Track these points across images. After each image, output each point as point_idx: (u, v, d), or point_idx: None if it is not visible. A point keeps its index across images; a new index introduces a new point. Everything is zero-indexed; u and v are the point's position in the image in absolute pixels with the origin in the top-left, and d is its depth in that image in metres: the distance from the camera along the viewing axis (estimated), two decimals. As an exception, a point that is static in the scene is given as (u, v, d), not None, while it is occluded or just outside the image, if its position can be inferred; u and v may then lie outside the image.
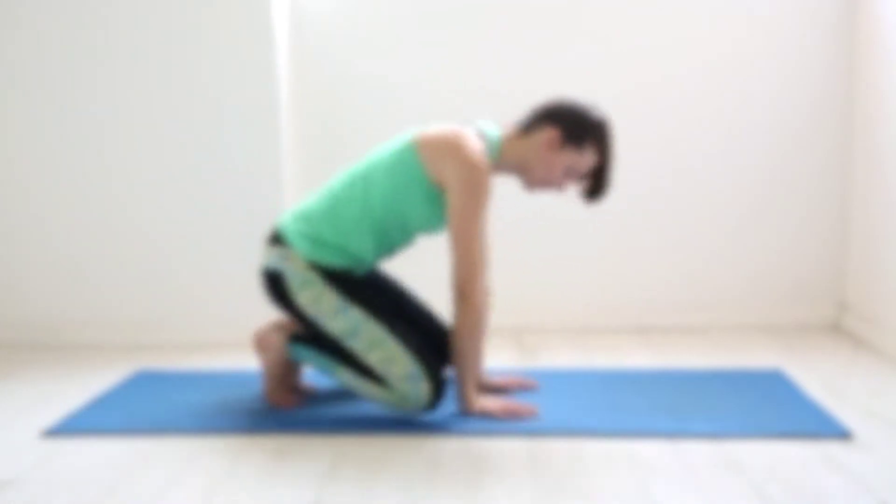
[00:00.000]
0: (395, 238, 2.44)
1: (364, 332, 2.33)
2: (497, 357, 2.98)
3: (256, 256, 3.21)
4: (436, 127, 2.40)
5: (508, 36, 3.31)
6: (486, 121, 2.47)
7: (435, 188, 2.33)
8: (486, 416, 2.36)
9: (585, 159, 2.37)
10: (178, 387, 2.73)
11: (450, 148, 2.30)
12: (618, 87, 3.30)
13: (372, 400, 2.37)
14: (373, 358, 2.33)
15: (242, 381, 2.72)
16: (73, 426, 2.40)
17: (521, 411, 2.37)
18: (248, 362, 2.85)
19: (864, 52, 3.14)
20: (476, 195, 2.28)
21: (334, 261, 2.38)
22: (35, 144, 3.26)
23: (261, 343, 2.53)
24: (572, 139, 2.34)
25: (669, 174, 3.35)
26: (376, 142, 3.37)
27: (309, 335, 2.45)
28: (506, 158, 2.40)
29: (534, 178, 2.41)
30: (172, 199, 3.25)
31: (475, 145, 2.31)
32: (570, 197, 3.40)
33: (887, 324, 2.95)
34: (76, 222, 3.29)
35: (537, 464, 2.09)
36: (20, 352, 3.25)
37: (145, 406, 2.56)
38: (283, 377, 2.52)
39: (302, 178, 3.40)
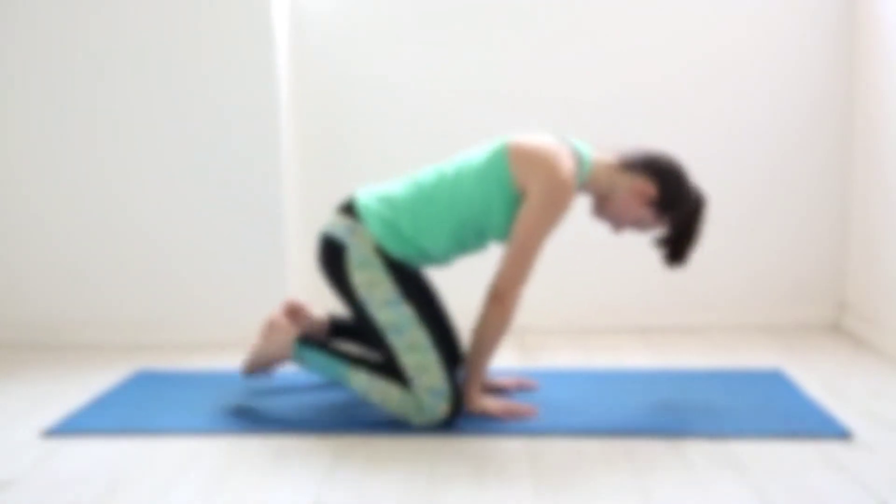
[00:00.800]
0: (469, 242, 2.41)
1: (409, 333, 2.30)
2: (497, 357, 2.98)
3: (256, 256, 3.22)
4: (532, 136, 2.37)
5: (508, 36, 3.31)
6: (580, 140, 2.46)
7: (518, 196, 2.32)
8: (486, 415, 2.36)
9: (657, 223, 2.41)
10: (178, 387, 2.73)
11: (543, 160, 2.28)
12: (617, 86, 3.31)
13: (383, 403, 2.33)
14: (409, 360, 2.30)
15: (242, 381, 2.72)
16: (73, 426, 2.40)
17: (520, 411, 2.37)
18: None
19: (864, 52, 3.14)
20: (555, 211, 2.28)
21: (402, 251, 2.35)
22: (35, 145, 3.26)
23: (272, 325, 2.49)
24: (661, 204, 2.37)
25: (669, 174, 3.34)
26: (376, 141, 3.39)
27: (318, 340, 2.44)
28: (592, 182, 2.39)
29: (607, 211, 2.42)
30: (172, 199, 3.25)
31: (569, 164, 2.30)
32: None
33: (887, 324, 2.95)
34: (76, 222, 3.29)
35: (537, 464, 2.09)
36: (20, 352, 3.25)
37: (145, 406, 2.56)
38: (269, 366, 2.53)
39: (302, 178, 3.40)
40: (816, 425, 2.26)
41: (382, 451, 2.19)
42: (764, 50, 3.27)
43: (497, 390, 2.58)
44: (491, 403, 2.39)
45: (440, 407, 2.29)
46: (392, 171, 3.38)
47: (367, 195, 2.41)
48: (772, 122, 3.30)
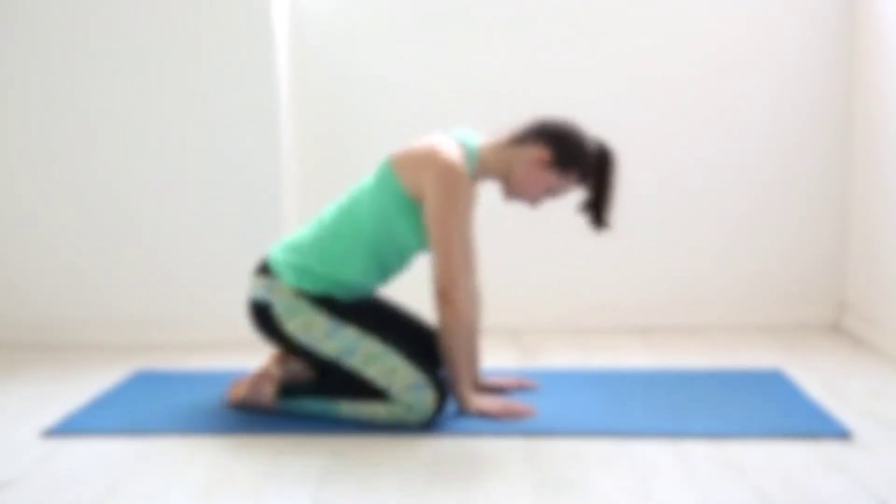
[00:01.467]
0: (391, 261, 2.43)
1: (360, 349, 2.32)
2: (497, 357, 2.98)
3: (256, 256, 3.22)
4: (413, 141, 2.40)
5: (508, 36, 3.31)
6: (464, 129, 2.46)
7: (418, 203, 2.33)
8: (485, 415, 2.36)
9: (567, 184, 2.40)
10: (178, 387, 2.73)
11: (425, 158, 2.31)
12: (618, 86, 3.31)
13: (375, 421, 2.34)
14: (372, 372, 2.32)
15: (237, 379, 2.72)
16: (73, 426, 2.40)
17: (518, 411, 2.37)
18: (248, 362, 2.85)
19: (864, 52, 3.14)
20: (453, 198, 2.28)
21: (322, 289, 2.38)
22: (35, 145, 3.26)
23: (256, 380, 2.46)
24: (559, 163, 2.35)
25: (669, 174, 3.35)
26: (376, 141, 3.38)
27: (296, 386, 2.44)
28: (488, 165, 2.39)
29: (514, 189, 2.41)
30: (172, 199, 3.25)
31: (451, 152, 2.31)
32: (570, 197, 3.40)
33: (887, 324, 2.95)
34: (76, 223, 3.29)
35: (537, 464, 2.09)
36: (20, 352, 3.25)
37: (145, 406, 2.56)
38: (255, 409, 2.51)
39: (302, 178, 3.40)
40: (816, 425, 2.26)
41: (381, 452, 2.19)
42: (764, 50, 3.27)
43: (495, 391, 2.58)
44: (488, 403, 2.39)
45: (426, 397, 2.29)
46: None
47: (275, 251, 2.45)
48: (772, 123, 3.30)
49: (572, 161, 2.35)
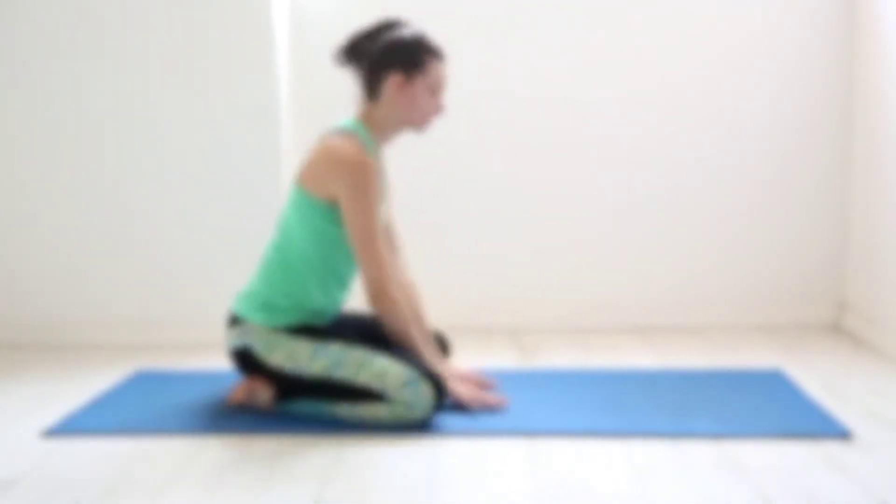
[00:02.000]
0: (345, 271, 2.45)
1: (348, 360, 2.33)
2: (497, 357, 2.98)
3: (257, 256, 3.21)
4: (306, 156, 2.41)
5: (508, 36, 3.31)
6: (338, 121, 2.48)
7: (332, 204, 2.35)
8: (457, 401, 2.37)
9: (435, 73, 2.40)
10: (178, 387, 2.73)
11: (323, 161, 2.33)
12: (618, 88, 3.31)
13: (378, 423, 2.33)
14: (364, 378, 2.32)
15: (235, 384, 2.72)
16: (73, 426, 2.40)
17: (489, 402, 2.39)
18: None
19: (864, 52, 3.14)
20: (363, 192, 2.29)
21: (293, 320, 2.40)
22: (35, 144, 3.26)
23: (252, 386, 2.47)
24: (412, 69, 2.37)
25: (669, 175, 3.35)
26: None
27: (294, 389, 2.44)
28: (380, 129, 2.42)
29: (414, 122, 2.43)
30: (172, 199, 3.25)
31: (342, 144, 2.32)
32: (568, 195, 3.41)
33: (887, 324, 2.95)
34: (76, 222, 3.29)
35: (537, 464, 2.09)
36: (20, 352, 3.25)
37: (145, 406, 2.56)
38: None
39: (302, 178, 3.40)
40: (816, 425, 2.26)
41: (382, 451, 2.19)
42: (764, 50, 3.27)
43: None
44: (463, 389, 2.40)
45: (423, 391, 2.29)
46: (392, 171, 3.38)
47: (236, 302, 2.47)
48: (772, 123, 3.30)
49: (416, 56, 2.37)
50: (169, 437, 2.32)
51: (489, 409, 2.39)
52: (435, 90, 2.41)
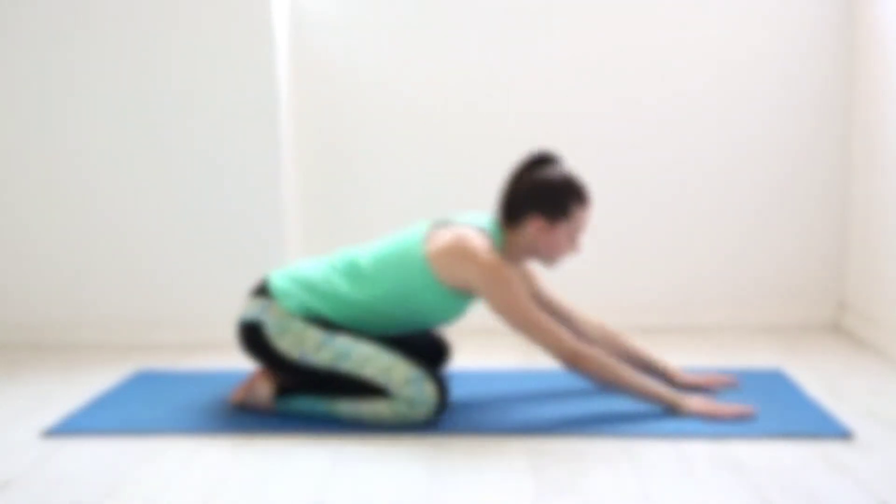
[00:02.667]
0: (401, 326, 2.45)
1: (354, 353, 2.33)
2: (497, 357, 2.98)
3: (256, 256, 3.22)
4: (440, 236, 2.38)
5: (509, 37, 3.31)
6: (476, 214, 2.51)
7: (453, 291, 2.37)
8: (700, 416, 2.30)
9: (578, 219, 2.39)
10: (178, 387, 2.73)
11: (461, 256, 2.31)
12: (619, 93, 3.31)
13: (378, 420, 2.33)
14: (369, 372, 2.32)
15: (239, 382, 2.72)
16: (73, 426, 2.40)
17: (732, 412, 2.31)
18: (248, 362, 2.85)
19: (864, 53, 3.14)
20: (506, 288, 2.30)
21: (322, 317, 2.40)
22: (34, 144, 3.26)
23: (252, 384, 2.47)
24: (558, 216, 2.36)
25: (669, 175, 3.35)
26: (376, 141, 3.39)
27: (295, 384, 2.44)
28: (512, 252, 2.43)
29: (547, 258, 2.44)
30: (172, 199, 3.25)
31: (481, 245, 2.32)
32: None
33: (887, 324, 2.95)
34: (76, 222, 3.29)
35: (537, 464, 2.09)
36: (20, 352, 3.25)
37: (145, 406, 2.56)
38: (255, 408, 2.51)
39: (301, 178, 3.40)
40: (817, 425, 2.26)
41: (382, 451, 2.19)
42: (765, 53, 3.27)
43: (694, 388, 2.56)
44: (703, 408, 2.33)
45: (426, 390, 2.29)
46: (392, 171, 3.39)
47: (282, 278, 2.45)
48: (773, 124, 3.30)
49: (561, 205, 2.36)
50: (169, 437, 2.32)
51: (733, 417, 2.30)
52: (576, 235, 2.41)
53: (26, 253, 3.32)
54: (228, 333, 3.18)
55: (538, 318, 2.31)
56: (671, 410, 2.33)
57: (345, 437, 2.28)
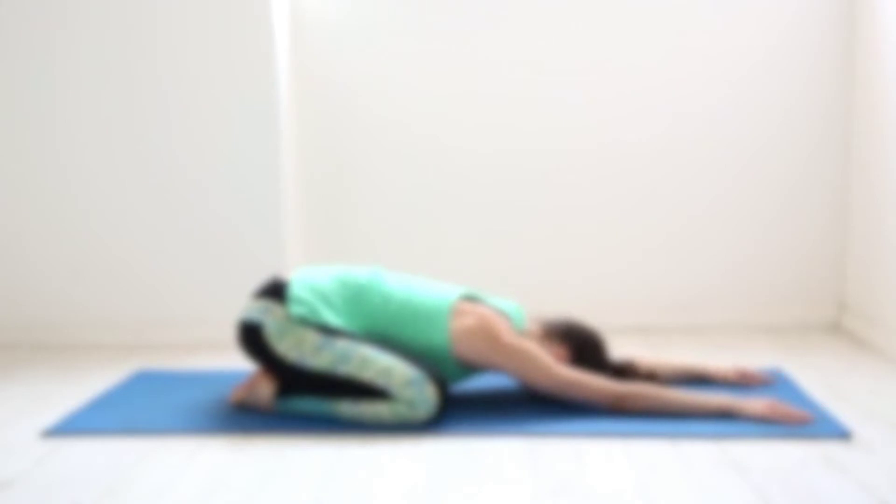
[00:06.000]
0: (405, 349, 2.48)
1: (353, 356, 2.33)
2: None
3: (256, 256, 3.22)
4: (465, 314, 2.44)
5: (510, 37, 3.31)
6: (500, 299, 2.59)
7: (464, 364, 2.43)
8: (762, 420, 2.28)
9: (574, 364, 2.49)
10: (178, 387, 2.73)
11: (485, 338, 2.39)
12: (619, 93, 3.31)
13: (378, 421, 2.33)
14: (369, 374, 2.32)
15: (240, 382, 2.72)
16: (73, 426, 2.40)
17: (793, 415, 2.28)
18: (248, 362, 2.84)
19: (865, 55, 3.14)
20: (533, 361, 2.37)
21: (323, 325, 2.40)
22: (35, 144, 3.26)
23: (253, 384, 2.47)
24: (576, 359, 2.47)
25: (669, 176, 3.35)
26: (376, 141, 3.39)
27: (296, 385, 2.44)
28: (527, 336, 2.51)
29: (534, 382, 2.44)
30: (172, 200, 3.25)
31: (503, 326, 2.41)
32: (569, 197, 3.41)
33: (887, 324, 2.95)
34: (76, 222, 3.29)
35: (537, 464, 2.09)
36: (20, 352, 3.25)
37: (145, 406, 2.56)
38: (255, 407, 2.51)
39: (301, 177, 3.40)
40: (816, 425, 2.26)
41: (382, 452, 2.19)
42: (765, 54, 3.27)
43: (728, 384, 2.60)
44: (758, 410, 2.31)
45: (427, 392, 2.30)
46: (392, 171, 3.39)
47: (298, 282, 2.45)
48: (773, 125, 3.30)
49: (589, 356, 2.49)
50: (169, 437, 2.32)
51: (795, 421, 2.27)
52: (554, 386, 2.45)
53: (26, 253, 3.32)
54: (228, 333, 3.17)
55: (571, 376, 2.37)
56: (731, 415, 2.31)
57: (345, 438, 2.28)
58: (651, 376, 2.58)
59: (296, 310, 2.38)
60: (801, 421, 2.27)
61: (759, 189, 3.33)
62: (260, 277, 3.24)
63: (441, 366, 2.42)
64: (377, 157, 3.39)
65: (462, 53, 3.33)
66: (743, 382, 2.61)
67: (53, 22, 3.19)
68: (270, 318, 2.39)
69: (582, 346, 2.49)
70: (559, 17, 3.29)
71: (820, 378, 2.68)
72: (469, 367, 2.46)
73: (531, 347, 2.39)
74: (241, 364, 2.88)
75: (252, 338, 2.42)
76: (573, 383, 2.36)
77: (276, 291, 2.44)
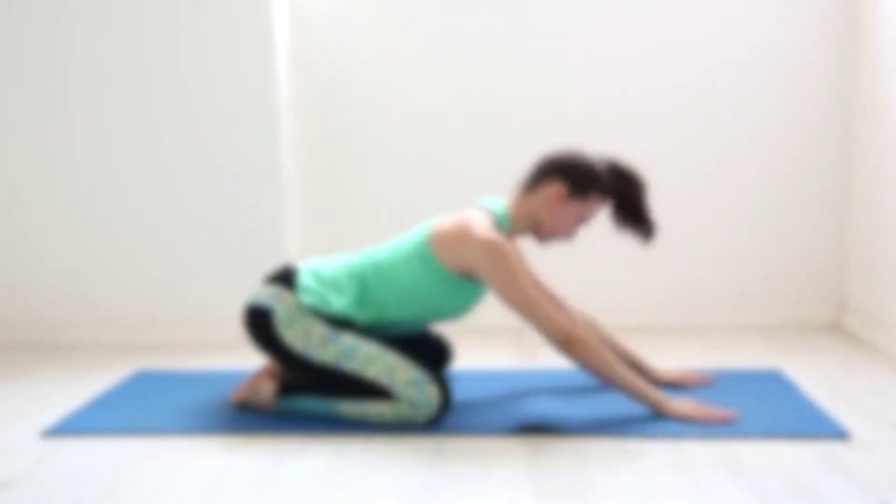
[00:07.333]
0: (428, 321, 2.49)
1: (358, 352, 2.33)
2: (497, 357, 2.98)
3: (256, 256, 3.22)
4: (444, 220, 2.41)
5: (510, 36, 3.31)
6: (489, 197, 2.53)
7: (460, 277, 2.37)
8: (684, 419, 2.29)
9: (592, 207, 2.42)
10: (178, 387, 2.73)
11: (462, 238, 2.33)
12: (620, 91, 3.31)
13: (381, 420, 2.33)
14: (372, 372, 2.32)
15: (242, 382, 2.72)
16: (73, 426, 2.40)
17: (716, 415, 2.30)
18: (248, 362, 2.85)
19: (865, 54, 3.15)
20: (504, 266, 2.30)
21: (335, 316, 2.39)
22: (35, 145, 3.26)
23: (254, 384, 2.47)
24: (577, 191, 2.38)
25: (669, 175, 3.35)
26: (376, 141, 3.39)
27: (298, 384, 2.44)
28: (518, 223, 2.44)
29: (546, 232, 2.44)
30: (172, 199, 3.25)
31: (483, 224, 2.34)
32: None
33: (888, 324, 2.95)
34: (76, 223, 3.29)
35: (537, 464, 2.09)
36: (20, 352, 3.25)
37: (145, 406, 2.56)
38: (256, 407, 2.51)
39: (302, 177, 3.40)
40: (815, 426, 2.26)
41: (382, 452, 2.19)
42: (765, 51, 3.27)
43: (671, 386, 2.58)
44: (686, 407, 2.32)
45: (429, 392, 2.30)
46: (392, 170, 3.39)
47: (305, 269, 2.45)
48: (773, 125, 3.30)
49: (587, 184, 2.39)
50: (169, 437, 2.32)
51: (716, 420, 2.29)
52: (580, 220, 2.43)
53: (27, 253, 3.33)
54: (228, 333, 3.19)
55: (537, 297, 2.30)
56: (656, 411, 2.32)
57: (345, 437, 2.28)
58: (606, 345, 2.55)
59: (305, 299, 2.38)
60: (724, 420, 2.28)
61: (760, 189, 3.33)
62: (260, 277, 3.25)
63: (448, 294, 2.38)
64: (378, 155, 3.39)
65: (463, 49, 3.33)
66: (681, 384, 2.60)
67: (53, 22, 3.19)
68: (281, 304, 2.38)
69: (570, 170, 2.38)
70: (558, 12, 3.29)
71: (820, 378, 2.68)
72: (469, 282, 2.38)
73: (509, 251, 2.30)
74: (241, 364, 2.89)
75: (260, 322, 2.40)
76: (533, 304, 2.29)
77: (286, 278, 2.43)
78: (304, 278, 2.42)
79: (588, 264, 3.40)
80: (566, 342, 2.29)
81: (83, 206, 3.28)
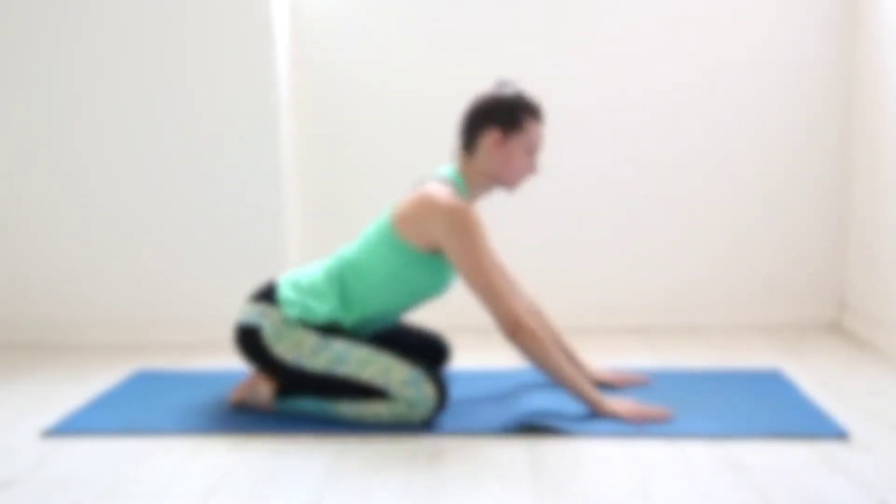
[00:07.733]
0: (397, 313, 2.48)
1: (351, 356, 2.33)
2: (497, 357, 2.98)
3: (256, 256, 3.22)
4: (404, 199, 2.41)
5: (510, 36, 3.32)
6: (441, 166, 2.51)
7: (430, 254, 2.36)
8: (617, 418, 2.30)
9: (532, 133, 2.40)
10: (178, 387, 2.73)
11: (423, 210, 2.32)
12: (619, 91, 3.32)
13: (378, 422, 2.34)
14: (368, 374, 2.32)
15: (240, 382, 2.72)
16: (73, 426, 2.40)
17: (652, 414, 2.31)
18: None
19: (864, 53, 3.15)
20: (467, 235, 2.28)
21: (321, 324, 2.39)
22: (35, 145, 3.27)
23: (252, 384, 2.47)
24: (511, 126, 2.37)
25: (669, 175, 3.35)
26: (376, 141, 3.40)
27: (295, 387, 2.43)
28: (475, 184, 2.43)
29: (506, 179, 2.43)
30: (172, 199, 3.26)
31: (441, 192, 2.32)
32: (569, 197, 3.41)
33: (887, 324, 2.95)
34: (76, 223, 3.29)
35: (537, 464, 2.09)
36: (20, 352, 3.25)
37: (145, 406, 2.56)
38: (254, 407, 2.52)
39: (302, 177, 3.40)
40: (815, 426, 2.26)
41: (382, 452, 2.19)
42: (764, 51, 3.28)
43: (606, 386, 2.58)
44: (621, 406, 2.33)
45: (425, 391, 2.30)
46: (392, 170, 3.39)
47: (284, 283, 2.44)
48: (773, 125, 3.30)
49: (515, 115, 2.37)
50: (169, 437, 2.32)
51: (651, 420, 2.30)
52: (530, 150, 2.41)
53: (27, 253, 3.33)
54: (228, 334, 3.18)
55: (494, 277, 2.29)
56: (593, 409, 2.33)
57: (345, 437, 2.28)
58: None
59: (290, 311, 2.38)
60: (660, 419, 2.29)
61: (760, 189, 3.33)
62: (260, 278, 3.25)
63: (422, 273, 2.37)
64: (379, 155, 3.40)
65: (463, 49, 3.33)
66: (613, 384, 2.60)
67: (53, 22, 3.19)
68: (267, 321, 2.39)
69: (492, 112, 2.36)
70: (558, 12, 3.29)
71: (820, 378, 2.68)
72: (440, 258, 2.36)
73: (473, 220, 2.28)
74: (240, 364, 2.89)
75: (250, 340, 2.42)
76: (489, 279, 2.27)
77: (268, 295, 2.44)
78: (285, 291, 2.42)
79: (588, 264, 3.40)
80: (514, 329, 2.28)
81: (83, 206, 3.28)
